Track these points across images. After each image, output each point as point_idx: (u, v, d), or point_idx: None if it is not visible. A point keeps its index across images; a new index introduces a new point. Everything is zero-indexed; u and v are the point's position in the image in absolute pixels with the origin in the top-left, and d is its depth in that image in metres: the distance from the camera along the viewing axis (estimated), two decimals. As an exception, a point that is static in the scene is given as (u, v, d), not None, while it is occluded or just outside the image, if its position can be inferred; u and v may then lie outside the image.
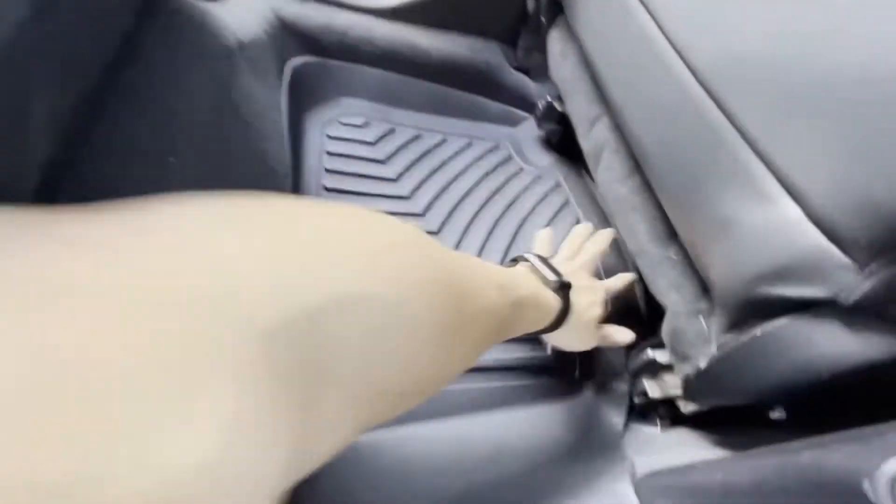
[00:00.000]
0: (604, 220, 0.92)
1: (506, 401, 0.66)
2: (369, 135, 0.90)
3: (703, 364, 0.47)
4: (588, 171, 1.03)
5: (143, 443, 0.11)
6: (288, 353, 0.16)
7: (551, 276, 0.48)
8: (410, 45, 0.95)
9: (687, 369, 0.50)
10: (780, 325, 0.38)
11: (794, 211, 0.35)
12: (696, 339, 0.49)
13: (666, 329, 0.55)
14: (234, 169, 0.51)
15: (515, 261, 0.53)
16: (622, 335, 0.62)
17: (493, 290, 0.33)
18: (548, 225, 0.89)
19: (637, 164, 0.63)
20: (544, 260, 0.50)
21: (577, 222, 0.90)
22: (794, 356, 0.37)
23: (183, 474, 0.11)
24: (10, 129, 0.21)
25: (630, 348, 0.76)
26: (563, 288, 0.48)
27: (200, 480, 0.12)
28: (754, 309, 0.40)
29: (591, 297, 0.55)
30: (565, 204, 0.93)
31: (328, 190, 0.80)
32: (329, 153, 0.84)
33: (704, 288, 0.50)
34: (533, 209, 0.90)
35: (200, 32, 0.50)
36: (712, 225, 0.43)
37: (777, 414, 0.57)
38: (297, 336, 0.16)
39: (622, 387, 0.70)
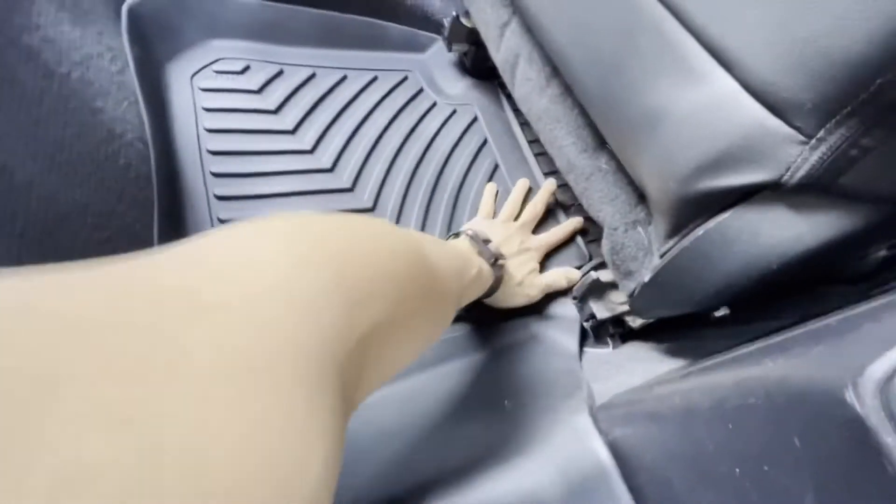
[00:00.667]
0: (521, 157, 0.86)
1: (458, 349, 0.62)
2: (252, 81, 0.76)
3: (646, 277, 0.43)
4: (504, 87, 0.95)
5: None
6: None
7: (486, 252, 0.52)
8: (282, -35, 0.79)
9: (631, 285, 0.47)
10: (722, 220, 0.34)
11: (729, 84, 0.30)
12: (636, 251, 0.45)
13: (605, 247, 0.50)
14: (50, 134, 0.38)
15: (457, 235, 0.58)
16: (566, 279, 0.66)
17: (453, 273, 0.37)
18: (468, 168, 0.81)
19: (555, 70, 0.56)
20: (479, 237, 0.54)
21: (496, 165, 0.83)
22: (739, 252, 0.33)
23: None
24: None
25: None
26: (497, 260, 0.53)
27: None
28: (693, 207, 0.36)
29: (525, 262, 0.62)
30: (483, 144, 0.85)
31: (214, 153, 0.67)
32: (206, 109, 0.70)
33: (640, 196, 0.46)
34: (451, 153, 0.82)
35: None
36: (640, 121, 0.37)
37: (721, 311, 0.56)
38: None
39: (569, 313, 0.67)
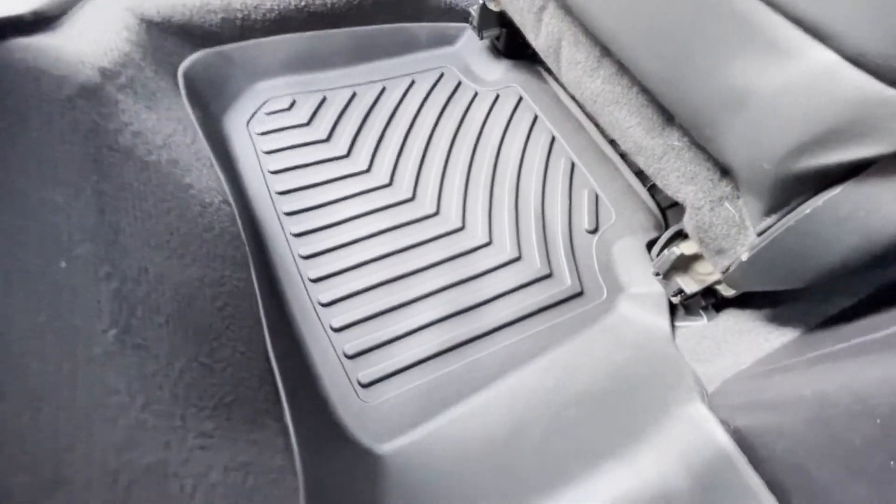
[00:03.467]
0: (577, 125, 0.83)
1: (549, 341, 0.63)
2: (300, 115, 0.79)
3: (744, 256, 0.41)
4: (546, 68, 0.92)
5: None
6: None
7: None
8: (305, -6, 0.80)
9: (724, 262, 0.45)
10: (832, 197, 0.32)
11: (826, 58, 0.28)
12: (727, 229, 0.43)
13: (690, 225, 0.49)
14: (161, 223, 0.43)
15: None
16: None
17: None
18: (524, 149, 0.80)
19: (605, 50, 0.53)
20: None
21: (552, 138, 0.81)
22: (856, 228, 0.31)
23: None
24: None
25: (650, 249, 0.71)
26: None
27: None
28: (793, 186, 0.34)
29: None
30: (535, 121, 0.83)
31: (281, 194, 0.71)
32: (266, 152, 0.74)
33: (723, 171, 0.44)
34: (503, 137, 0.81)
35: (46, 89, 0.40)
36: (718, 102, 0.35)
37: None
38: None
39: (655, 289, 0.66)
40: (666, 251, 0.62)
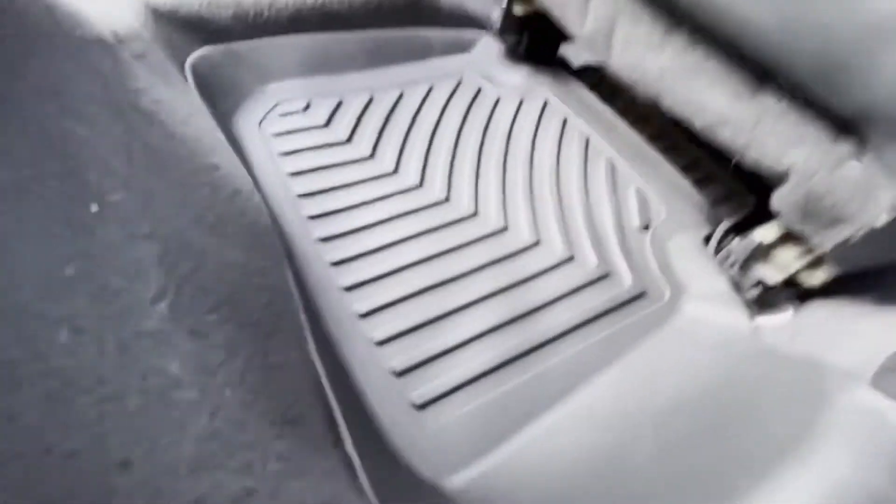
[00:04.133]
0: (610, 125, 0.80)
1: (618, 347, 0.56)
2: (318, 117, 0.72)
3: (880, 220, 0.36)
4: (569, 70, 0.90)
5: None
6: None
7: None
8: (321, -7, 0.76)
9: (845, 231, 0.40)
10: None
11: None
12: (853, 192, 0.38)
13: (791, 197, 0.44)
14: (196, 195, 0.34)
15: None
16: None
17: None
18: (558, 151, 0.76)
19: (672, 24, 0.50)
20: None
21: (586, 138, 0.78)
22: None
23: None
24: None
25: (707, 240, 0.67)
26: None
27: None
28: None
29: None
30: (565, 123, 0.80)
31: (303, 196, 0.63)
32: (282, 153, 0.67)
33: (841, 127, 0.39)
34: (534, 139, 0.77)
35: (60, 24, 0.32)
36: (872, 34, 0.31)
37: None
38: None
39: (720, 286, 0.60)
40: (738, 241, 0.58)
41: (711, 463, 0.36)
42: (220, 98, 0.68)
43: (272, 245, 0.43)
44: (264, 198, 0.60)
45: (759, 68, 0.43)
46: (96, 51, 0.33)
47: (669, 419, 0.44)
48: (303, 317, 0.42)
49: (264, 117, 0.71)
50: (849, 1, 0.32)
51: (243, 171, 0.50)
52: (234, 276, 0.31)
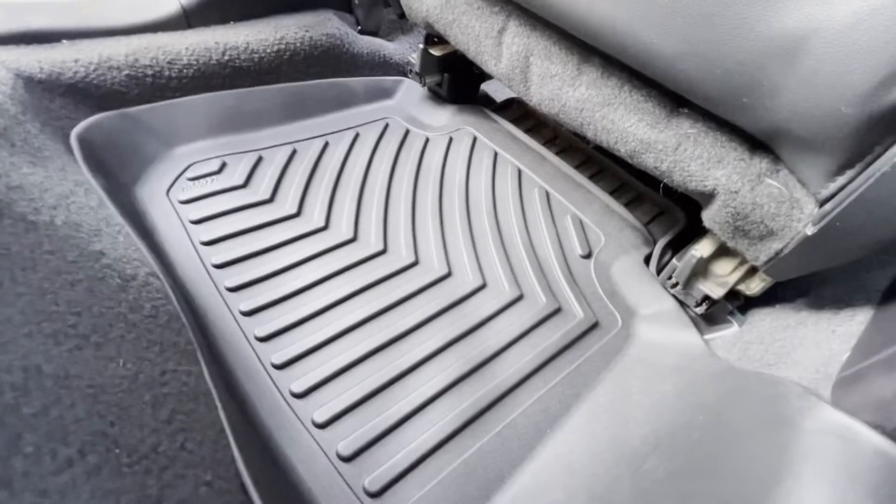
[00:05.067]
0: (538, 156, 0.81)
1: (579, 386, 0.53)
2: (234, 177, 0.67)
3: (809, 230, 0.36)
4: (492, 106, 0.91)
5: None
6: None
7: None
8: (230, 49, 0.72)
9: (774, 246, 0.40)
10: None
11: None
12: (776, 206, 0.39)
13: (720, 216, 0.44)
14: (61, 300, 0.28)
15: None
16: None
17: None
18: (493, 185, 0.75)
19: (584, 56, 0.51)
20: None
21: (518, 170, 0.78)
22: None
23: None
24: None
25: (647, 260, 0.67)
26: None
27: None
28: (878, 129, 0.30)
29: None
30: (496, 157, 0.80)
31: (219, 267, 0.57)
32: (193, 221, 0.60)
33: (753, 146, 0.40)
34: (468, 178, 0.76)
35: None
36: (771, 54, 0.32)
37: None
38: None
39: (668, 305, 0.60)
40: (677, 260, 0.58)
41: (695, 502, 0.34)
42: (119, 168, 0.61)
43: (178, 337, 0.37)
44: (173, 275, 0.53)
45: (671, 94, 0.44)
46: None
47: (645, 462, 0.41)
48: (224, 417, 0.35)
49: (172, 184, 0.64)
50: (742, 24, 0.32)
51: (140, 252, 0.43)
52: (115, 398, 0.25)
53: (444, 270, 0.62)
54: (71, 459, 0.19)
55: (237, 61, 0.73)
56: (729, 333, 0.55)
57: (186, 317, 0.42)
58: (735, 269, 0.53)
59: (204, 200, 0.64)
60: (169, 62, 0.67)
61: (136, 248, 0.43)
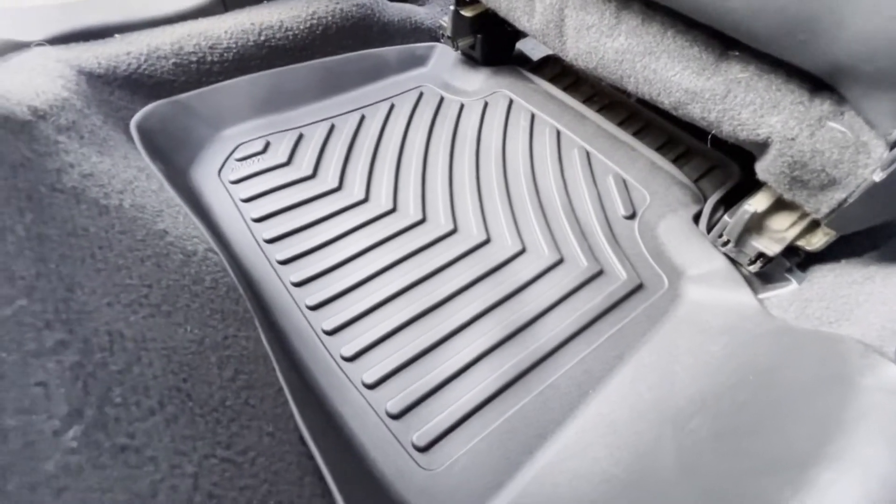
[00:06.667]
0: (578, 115, 0.77)
1: (623, 347, 0.53)
2: (278, 155, 0.70)
3: (878, 176, 0.33)
4: (528, 66, 0.88)
5: None
6: None
7: None
8: (266, 29, 0.74)
9: (837, 196, 0.37)
10: None
11: None
12: (839, 152, 0.35)
13: (775, 166, 0.41)
14: (134, 274, 0.31)
15: None
16: None
17: None
18: (530, 148, 0.73)
19: (622, 4, 0.47)
20: None
21: (557, 131, 0.75)
22: None
23: None
24: None
25: (697, 218, 0.64)
26: None
27: None
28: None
29: None
30: (533, 118, 0.78)
31: (270, 242, 0.60)
32: (244, 200, 0.64)
33: (814, 86, 0.37)
34: (504, 142, 0.74)
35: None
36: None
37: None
38: None
39: (719, 265, 0.58)
40: (729, 217, 0.55)
41: (740, 472, 0.33)
42: (174, 153, 0.66)
43: (236, 306, 0.40)
44: (229, 250, 0.57)
45: (719, 37, 0.41)
46: (1, 135, 0.30)
47: (690, 421, 0.41)
48: (281, 377, 0.38)
49: (223, 165, 0.68)
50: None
51: (199, 230, 0.47)
52: (187, 358, 0.28)
53: (483, 237, 0.62)
54: (153, 409, 0.23)
55: (273, 41, 0.74)
56: (786, 292, 0.52)
57: (243, 288, 0.46)
58: (794, 223, 0.50)
59: (252, 179, 0.67)
60: (210, 47, 0.69)
61: (194, 226, 0.47)
